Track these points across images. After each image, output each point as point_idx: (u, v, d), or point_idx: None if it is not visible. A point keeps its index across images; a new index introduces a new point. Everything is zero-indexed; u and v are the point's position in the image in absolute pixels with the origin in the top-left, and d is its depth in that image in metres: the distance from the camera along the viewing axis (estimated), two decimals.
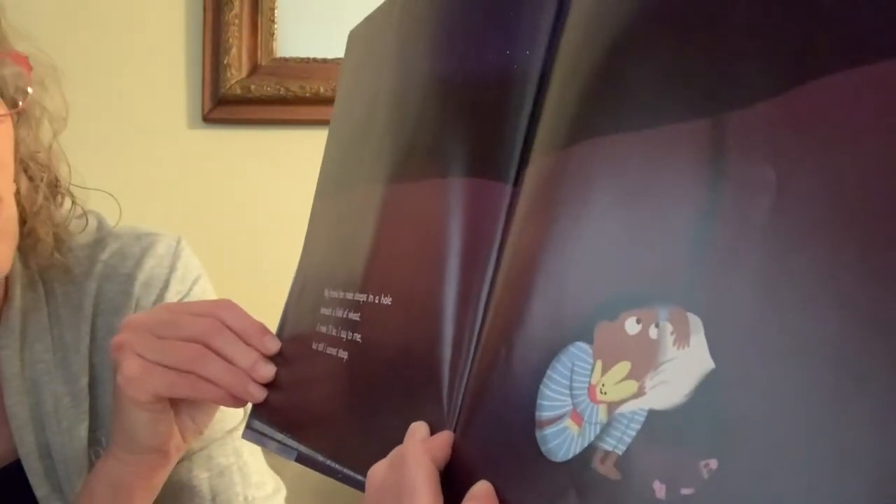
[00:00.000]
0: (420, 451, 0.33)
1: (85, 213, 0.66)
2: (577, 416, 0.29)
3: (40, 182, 0.61)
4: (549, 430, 0.30)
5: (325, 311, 0.47)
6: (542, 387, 0.31)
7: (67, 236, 0.64)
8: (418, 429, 0.36)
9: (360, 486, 0.41)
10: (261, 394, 0.50)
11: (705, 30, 0.28)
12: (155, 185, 1.06)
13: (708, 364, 0.25)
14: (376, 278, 0.43)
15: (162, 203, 1.05)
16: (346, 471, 0.42)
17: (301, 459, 0.47)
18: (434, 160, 0.41)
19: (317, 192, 0.55)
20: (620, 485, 0.26)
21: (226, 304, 0.52)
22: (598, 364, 0.29)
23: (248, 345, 0.50)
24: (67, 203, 0.65)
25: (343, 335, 0.45)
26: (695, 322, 0.26)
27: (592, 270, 0.30)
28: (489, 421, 0.33)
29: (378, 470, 0.35)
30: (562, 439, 0.29)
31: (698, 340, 0.25)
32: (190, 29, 1.07)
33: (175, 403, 0.53)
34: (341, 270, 0.47)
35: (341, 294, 0.46)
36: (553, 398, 0.30)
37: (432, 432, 0.36)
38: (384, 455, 0.36)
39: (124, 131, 1.06)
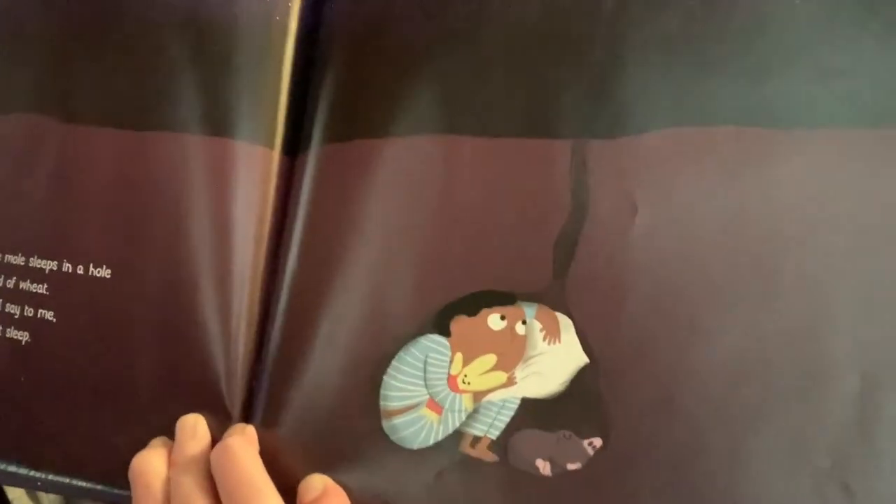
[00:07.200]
0: (243, 444, 0.30)
1: None
2: (436, 405, 0.31)
3: None
4: (399, 420, 0.31)
5: None
6: (386, 378, 0.31)
7: None
8: (197, 423, 0.33)
9: (69, 491, 0.35)
10: None
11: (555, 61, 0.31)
12: None
13: (582, 359, 0.29)
14: (80, 242, 0.35)
15: None
16: (51, 478, 0.35)
17: None
18: (163, 109, 0.35)
19: None
20: (499, 465, 0.30)
21: None
22: (459, 356, 0.31)
23: None
24: None
25: (16, 312, 0.36)
26: (565, 321, 0.30)
27: (440, 268, 0.31)
28: (311, 412, 0.32)
29: (152, 465, 0.31)
30: (418, 427, 0.31)
31: (569, 338, 0.30)
32: None
33: None
34: (4, 226, 0.36)
35: (8, 258, 0.36)
36: (402, 388, 0.31)
37: (212, 425, 0.33)
38: (122, 452, 0.32)
39: None
